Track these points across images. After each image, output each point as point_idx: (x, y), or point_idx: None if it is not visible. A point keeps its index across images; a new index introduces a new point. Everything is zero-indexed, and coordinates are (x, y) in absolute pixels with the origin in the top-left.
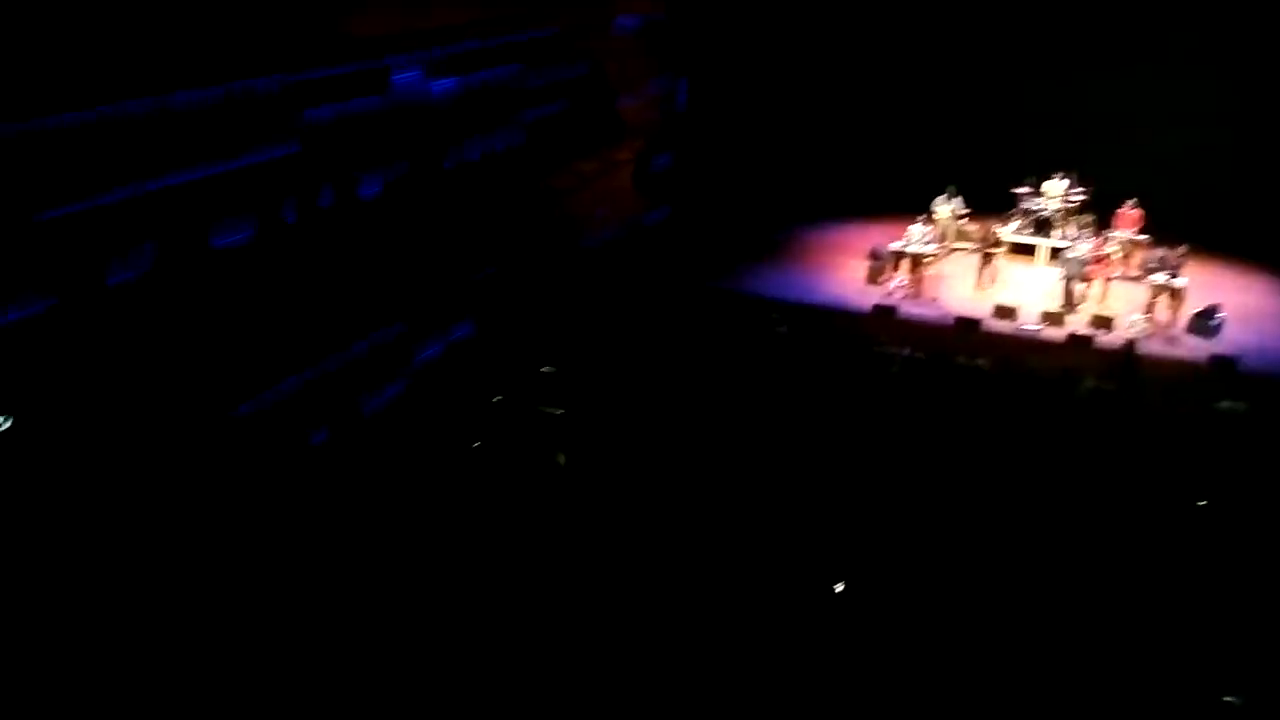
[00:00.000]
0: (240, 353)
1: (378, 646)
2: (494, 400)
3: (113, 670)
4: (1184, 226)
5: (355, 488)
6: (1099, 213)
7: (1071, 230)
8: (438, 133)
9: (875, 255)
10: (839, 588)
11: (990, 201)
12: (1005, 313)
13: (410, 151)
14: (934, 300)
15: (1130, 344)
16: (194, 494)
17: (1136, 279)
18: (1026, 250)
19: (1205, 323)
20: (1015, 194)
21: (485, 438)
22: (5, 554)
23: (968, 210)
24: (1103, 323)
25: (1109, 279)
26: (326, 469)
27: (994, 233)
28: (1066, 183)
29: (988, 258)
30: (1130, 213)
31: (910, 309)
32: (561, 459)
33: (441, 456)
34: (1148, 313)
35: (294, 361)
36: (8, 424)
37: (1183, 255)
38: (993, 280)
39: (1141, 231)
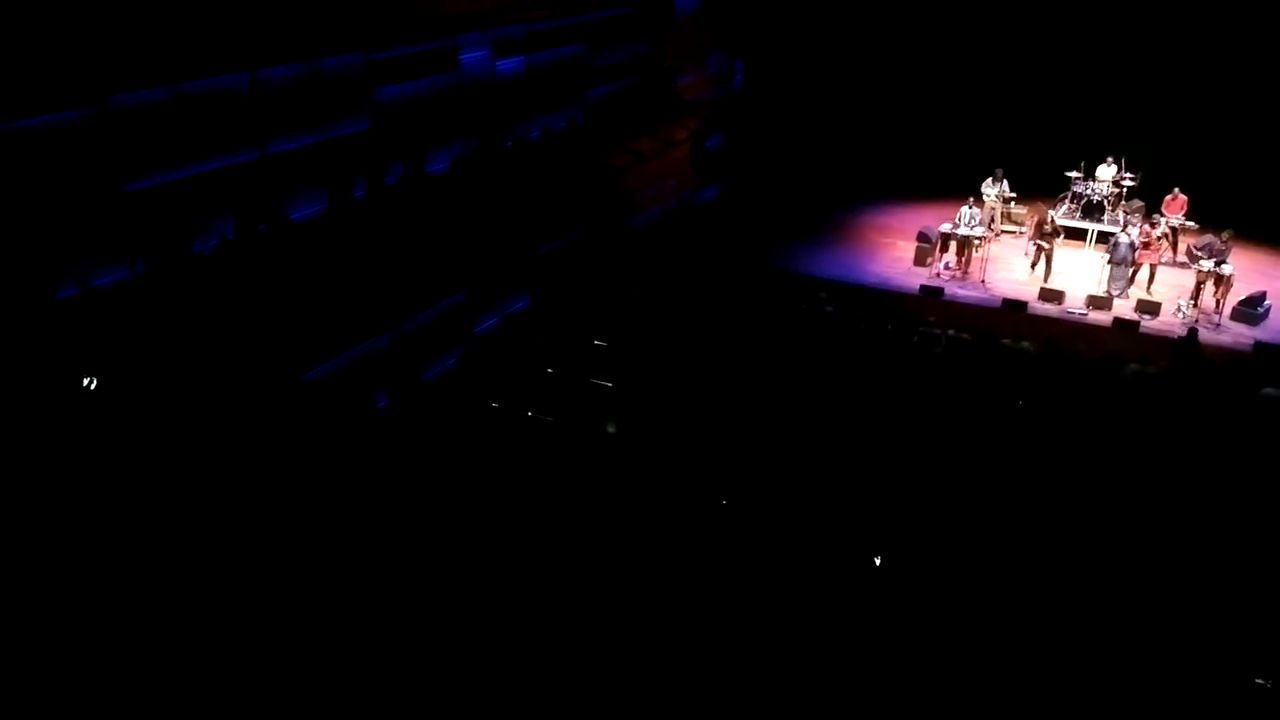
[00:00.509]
0: (310, 320)
1: (427, 607)
2: (547, 371)
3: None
4: (1230, 214)
5: (412, 450)
6: (1147, 199)
7: (1120, 215)
8: (502, 111)
9: (923, 237)
10: (878, 561)
11: (1039, 185)
12: (1052, 296)
13: (476, 129)
14: (981, 283)
15: (1193, 331)
16: (262, 452)
17: (1184, 265)
18: (1075, 235)
19: (1252, 310)
20: (1067, 178)
21: (537, 407)
22: (85, 506)
23: (1014, 194)
24: (1149, 308)
25: (1156, 264)
26: (386, 431)
27: (1051, 219)
28: (1116, 168)
29: (1041, 249)
30: (1177, 199)
31: (957, 290)
32: (611, 429)
33: (494, 423)
34: (1194, 299)
35: (361, 329)
36: (93, 384)
37: (1229, 240)
38: (1047, 275)
39: (1188, 218)
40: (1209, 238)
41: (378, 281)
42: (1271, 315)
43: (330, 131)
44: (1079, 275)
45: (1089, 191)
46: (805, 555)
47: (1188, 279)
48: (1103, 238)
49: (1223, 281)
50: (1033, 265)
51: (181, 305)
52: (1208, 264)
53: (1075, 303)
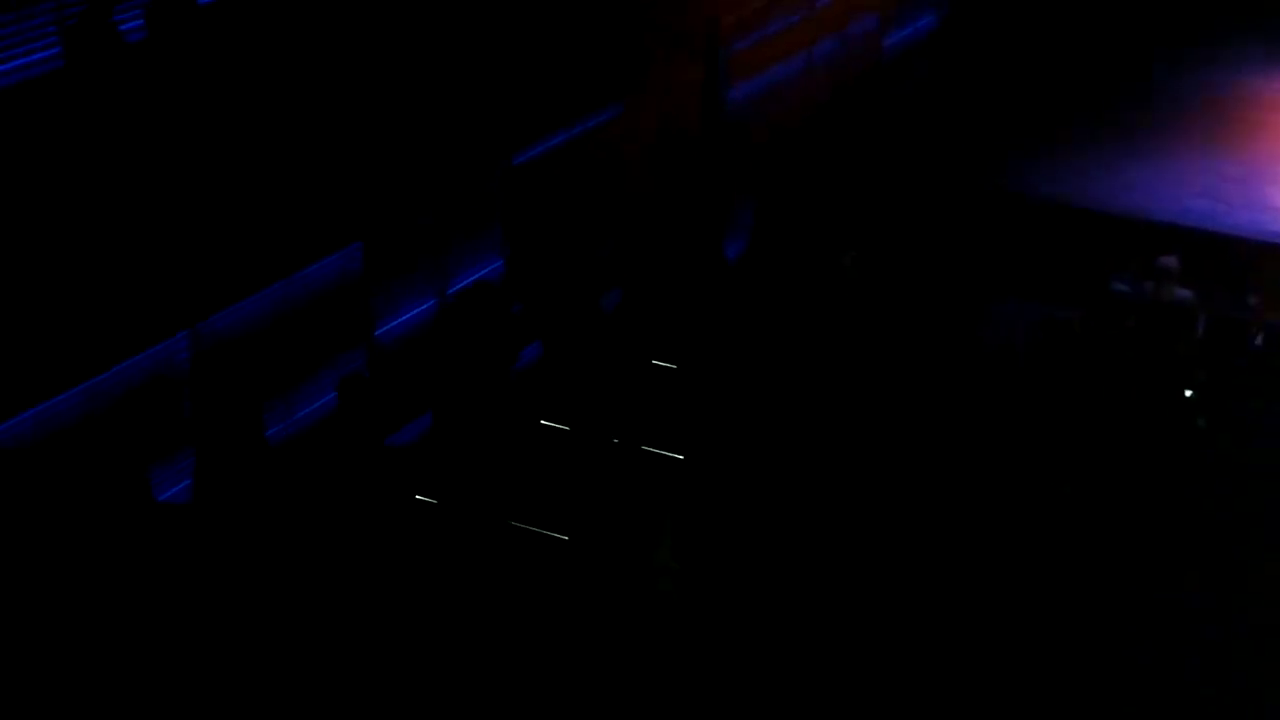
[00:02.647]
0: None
1: None
2: (544, 426)
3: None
4: None
5: (236, 596)
6: None
7: None
8: None
9: None
10: None
11: None
12: None
13: None
14: None
15: None
16: None
17: None
18: None
19: None
20: None
21: (526, 506)
22: None
23: None
24: None
25: None
26: (185, 547)
27: None
28: None
29: None
30: None
31: None
32: (667, 562)
33: (427, 539)
34: None
35: (131, 323)
36: None
37: None
38: None
39: None
40: None
41: (165, 217)
42: None
43: None
44: None
45: None
46: None
47: None
48: None
49: None
50: None
51: None
52: None
53: None
